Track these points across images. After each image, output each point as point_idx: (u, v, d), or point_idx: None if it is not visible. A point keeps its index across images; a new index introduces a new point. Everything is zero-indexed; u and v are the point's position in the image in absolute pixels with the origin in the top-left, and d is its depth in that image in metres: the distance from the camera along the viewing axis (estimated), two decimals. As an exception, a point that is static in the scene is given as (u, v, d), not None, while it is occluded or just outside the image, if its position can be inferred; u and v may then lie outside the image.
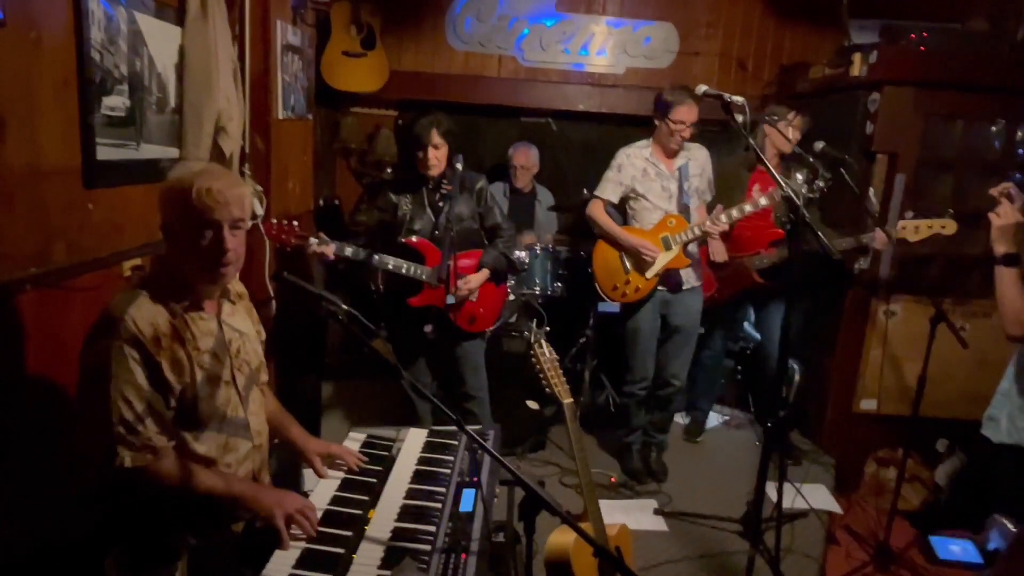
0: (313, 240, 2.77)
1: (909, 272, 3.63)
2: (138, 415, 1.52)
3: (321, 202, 4.36)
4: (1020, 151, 3.61)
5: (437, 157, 2.90)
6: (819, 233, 2.02)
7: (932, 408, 3.09)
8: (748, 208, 3.16)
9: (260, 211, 2.84)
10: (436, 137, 2.87)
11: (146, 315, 1.55)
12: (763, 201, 3.14)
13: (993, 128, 3.60)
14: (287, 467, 2.32)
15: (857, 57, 3.53)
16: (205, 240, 1.59)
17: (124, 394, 1.51)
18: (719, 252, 3.58)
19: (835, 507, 3.33)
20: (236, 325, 1.79)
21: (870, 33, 3.91)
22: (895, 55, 3.44)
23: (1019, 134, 3.60)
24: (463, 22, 4.57)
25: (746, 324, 4.10)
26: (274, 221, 2.75)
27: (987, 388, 2.57)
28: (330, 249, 2.79)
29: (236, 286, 1.86)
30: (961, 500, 3.42)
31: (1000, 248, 2.29)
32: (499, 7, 4.55)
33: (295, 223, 2.77)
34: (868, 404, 3.76)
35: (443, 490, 1.82)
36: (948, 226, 3.03)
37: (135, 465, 1.52)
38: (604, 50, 4.65)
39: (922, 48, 3.44)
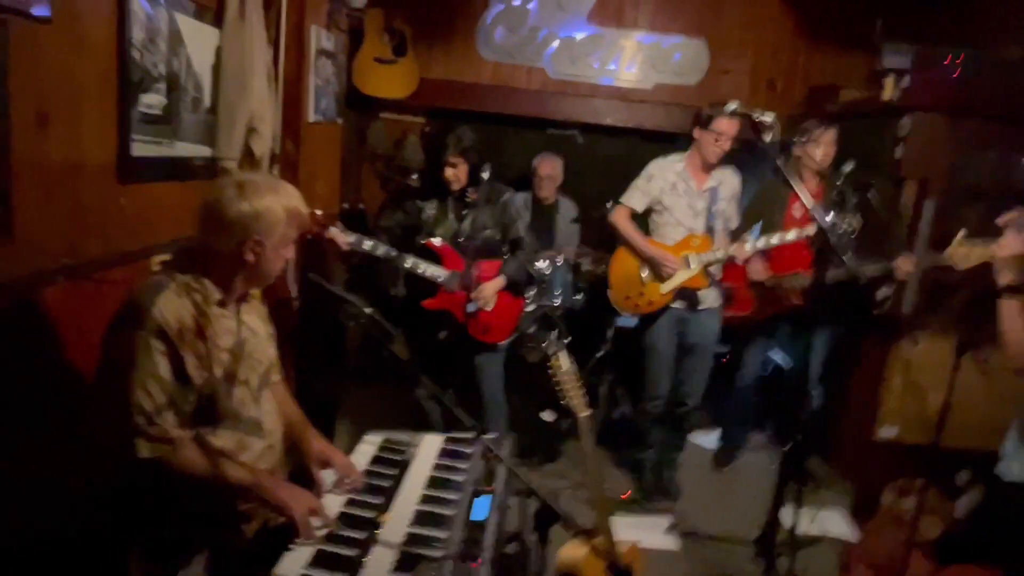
0: (333, 228, 2.82)
1: (933, 300, 3.58)
2: (158, 407, 1.54)
3: (346, 205, 4.40)
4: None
5: (457, 175, 2.96)
6: (844, 259, 2.00)
7: (954, 439, 3.02)
8: (775, 240, 3.14)
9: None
10: (453, 156, 2.92)
11: (173, 307, 1.57)
12: (790, 236, 3.12)
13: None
14: (304, 468, 2.34)
15: (889, 81, 3.50)
16: (280, 257, 1.65)
17: (146, 385, 1.53)
18: (758, 271, 3.49)
19: (851, 535, 3.28)
20: (251, 325, 1.81)
21: (903, 57, 3.86)
22: (928, 81, 3.40)
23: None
24: (494, 32, 4.60)
25: (779, 357, 4.04)
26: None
27: (1008, 420, 2.51)
28: (344, 238, 2.82)
29: None
30: (980, 534, 3.35)
31: (1004, 279, 2.23)
32: (530, 18, 4.58)
33: (318, 211, 2.80)
34: (888, 432, 3.71)
35: (457, 497, 1.83)
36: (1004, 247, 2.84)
37: (153, 456, 1.54)
38: (633, 65, 4.66)
39: (955, 75, 3.40)
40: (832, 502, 3.50)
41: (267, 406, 1.83)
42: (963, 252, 2.71)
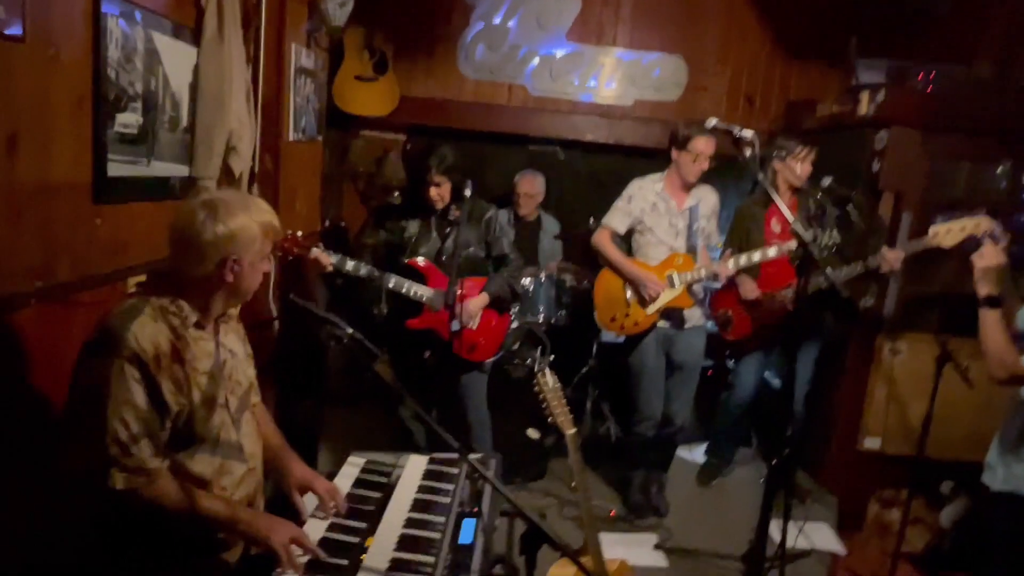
0: (315, 249, 2.78)
1: (914, 310, 3.62)
2: (133, 436, 1.49)
3: (327, 224, 4.36)
4: (1025, 192, 3.62)
5: (439, 194, 2.95)
6: (826, 271, 2.01)
7: (937, 449, 3.05)
8: (756, 257, 3.17)
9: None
10: (437, 176, 2.91)
11: (148, 332, 1.53)
12: (771, 252, 3.15)
13: (999, 170, 3.61)
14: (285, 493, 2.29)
15: (865, 96, 3.55)
16: (257, 272, 1.62)
17: (121, 414, 1.49)
18: (750, 290, 3.49)
19: (838, 548, 3.27)
20: (229, 346, 1.78)
21: (877, 72, 3.93)
22: (902, 96, 3.46)
23: (1024, 176, 3.61)
24: (474, 50, 4.62)
25: (766, 373, 4.03)
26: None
27: (991, 430, 2.53)
28: (327, 259, 2.78)
29: None
30: (966, 544, 3.37)
31: (983, 290, 2.24)
32: (510, 36, 4.60)
33: (298, 232, 2.77)
34: (872, 443, 3.72)
35: (443, 520, 1.79)
36: (983, 223, 2.82)
37: (127, 487, 1.49)
38: (612, 82, 4.69)
39: (928, 90, 3.46)
40: (818, 515, 3.50)
41: (247, 429, 1.79)
42: (944, 230, 2.82)
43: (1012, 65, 3.61)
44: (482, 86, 4.69)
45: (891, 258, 3.10)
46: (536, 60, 4.64)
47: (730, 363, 4.31)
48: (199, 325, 1.66)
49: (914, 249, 3.08)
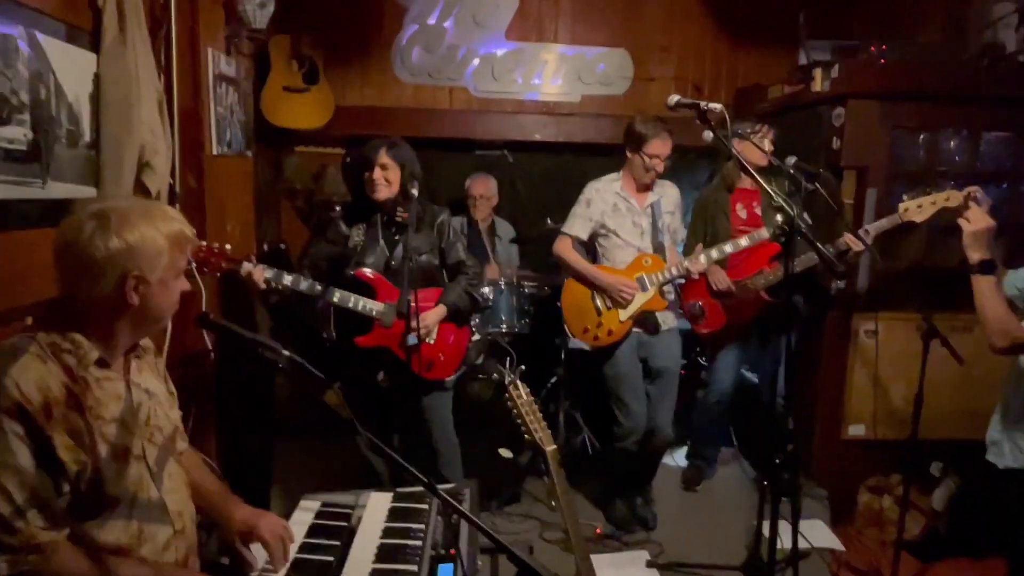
0: (247, 263, 2.49)
1: (887, 289, 3.50)
2: (18, 508, 1.21)
3: (266, 247, 4.06)
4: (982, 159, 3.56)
5: (386, 178, 2.67)
6: (817, 244, 1.84)
7: (923, 429, 2.92)
8: (728, 249, 3.04)
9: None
10: (384, 156, 2.66)
11: (34, 376, 1.25)
12: (743, 242, 3.04)
13: (957, 139, 3.55)
14: (227, 548, 1.99)
15: (818, 73, 3.45)
16: (170, 292, 1.38)
17: (1, 482, 1.20)
18: (720, 280, 3.34)
19: (836, 544, 3.11)
20: (144, 384, 1.49)
21: (822, 53, 3.86)
22: (857, 68, 3.36)
23: (982, 144, 3.55)
24: (410, 53, 4.39)
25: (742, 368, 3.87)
26: (203, 244, 2.45)
27: (977, 405, 2.41)
28: (265, 273, 2.50)
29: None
30: (962, 526, 3.24)
31: (975, 255, 2.12)
32: (447, 37, 4.39)
33: (227, 246, 2.48)
34: (856, 430, 3.59)
35: (414, 568, 1.53)
36: (952, 197, 2.77)
37: (15, 572, 1.21)
38: (558, 78, 4.53)
39: (883, 60, 3.38)
40: (810, 511, 3.33)
41: (172, 483, 1.49)
42: (915, 205, 2.82)
43: (961, 30, 3.56)
44: (421, 90, 4.47)
45: (854, 242, 2.99)
46: (476, 60, 4.44)
47: (703, 360, 4.16)
48: (102, 363, 1.37)
49: (885, 227, 2.99)
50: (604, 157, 3.95)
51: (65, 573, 1.26)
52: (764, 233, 3.06)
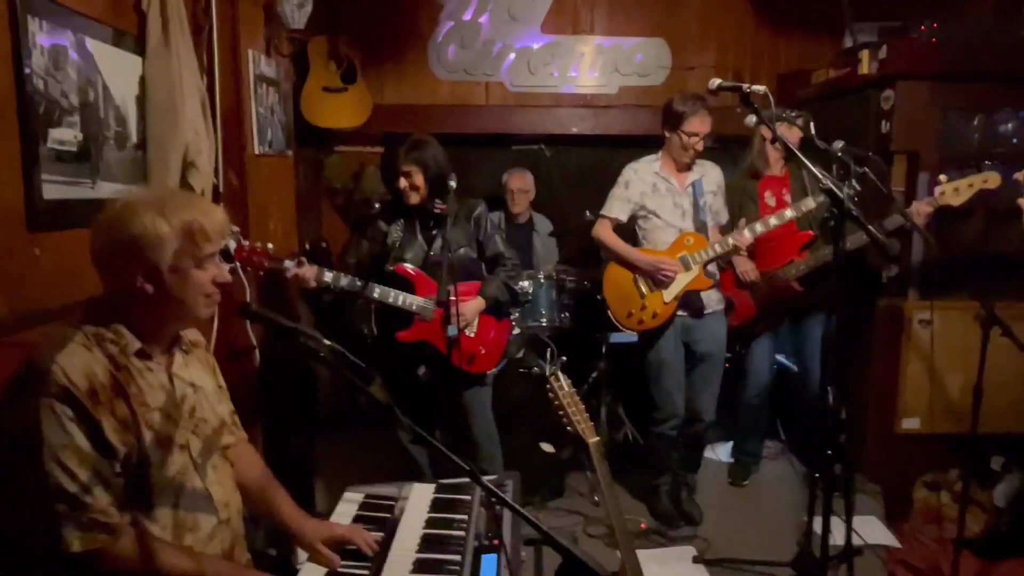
0: (289, 263, 2.51)
1: (941, 277, 3.38)
2: (83, 485, 1.23)
3: (307, 245, 4.11)
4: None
5: (412, 184, 2.67)
6: (869, 226, 1.78)
7: (982, 423, 2.81)
8: (773, 221, 2.96)
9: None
10: (405, 163, 2.64)
11: (79, 363, 1.28)
12: (789, 213, 2.96)
13: (1013, 120, 3.40)
14: (275, 539, 2.02)
15: (865, 55, 3.35)
16: (189, 281, 1.38)
17: (62, 461, 1.23)
18: (749, 271, 3.29)
19: (892, 540, 3.01)
20: (190, 378, 1.51)
21: (868, 35, 3.75)
22: (907, 49, 3.25)
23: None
24: (446, 50, 4.40)
25: (778, 356, 3.79)
26: (245, 243, 2.49)
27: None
28: (311, 272, 2.52)
29: (189, 333, 1.58)
30: (1025, 523, 3.11)
31: None
32: (483, 32, 4.39)
33: (269, 245, 2.51)
34: (911, 423, 3.47)
35: (458, 558, 1.52)
36: (991, 179, 2.75)
37: (87, 549, 1.23)
38: (595, 70, 4.48)
39: (933, 40, 3.25)
40: (863, 507, 3.23)
41: (217, 475, 1.51)
42: (951, 188, 2.85)
43: (1015, 6, 3.41)
44: (458, 87, 4.47)
45: (921, 211, 2.91)
46: (512, 55, 4.42)
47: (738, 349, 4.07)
48: (143, 354, 1.39)
49: (925, 211, 2.91)
50: (642, 148, 3.89)
51: (127, 558, 1.28)
52: (810, 203, 2.97)
